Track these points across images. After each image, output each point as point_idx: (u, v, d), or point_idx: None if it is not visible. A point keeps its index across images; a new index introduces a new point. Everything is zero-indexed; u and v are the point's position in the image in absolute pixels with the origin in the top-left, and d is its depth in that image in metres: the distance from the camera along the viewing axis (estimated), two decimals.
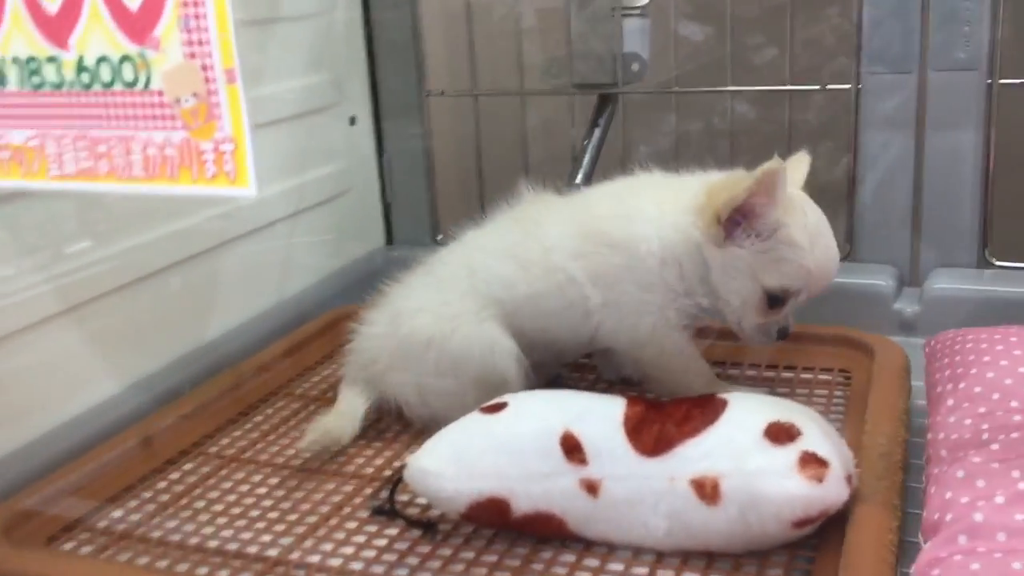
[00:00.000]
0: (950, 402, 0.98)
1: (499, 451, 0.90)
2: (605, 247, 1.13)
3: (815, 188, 1.19)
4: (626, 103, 1.63)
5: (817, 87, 1.51)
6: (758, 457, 0.82)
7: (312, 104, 1.60)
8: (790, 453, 0.82)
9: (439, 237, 1.80)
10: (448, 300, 1.16)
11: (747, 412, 0.87)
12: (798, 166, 1.15)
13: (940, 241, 1.49)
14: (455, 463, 0.90)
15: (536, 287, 1.14)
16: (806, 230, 1.09)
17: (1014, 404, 0.93)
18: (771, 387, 1.22)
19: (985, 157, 1.43)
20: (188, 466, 1.12)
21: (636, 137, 1.75)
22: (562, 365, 1.28)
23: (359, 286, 1.68)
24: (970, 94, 1.41)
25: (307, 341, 1.44)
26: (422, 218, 1.80)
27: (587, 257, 1.13)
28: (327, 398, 1.29)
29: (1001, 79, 1.38)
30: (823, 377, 1.26)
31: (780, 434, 0.83)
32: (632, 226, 1.12)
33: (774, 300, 1.10)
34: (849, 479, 0.87)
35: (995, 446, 0.87)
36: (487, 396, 1.00)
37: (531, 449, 0.89)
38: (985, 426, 0.92)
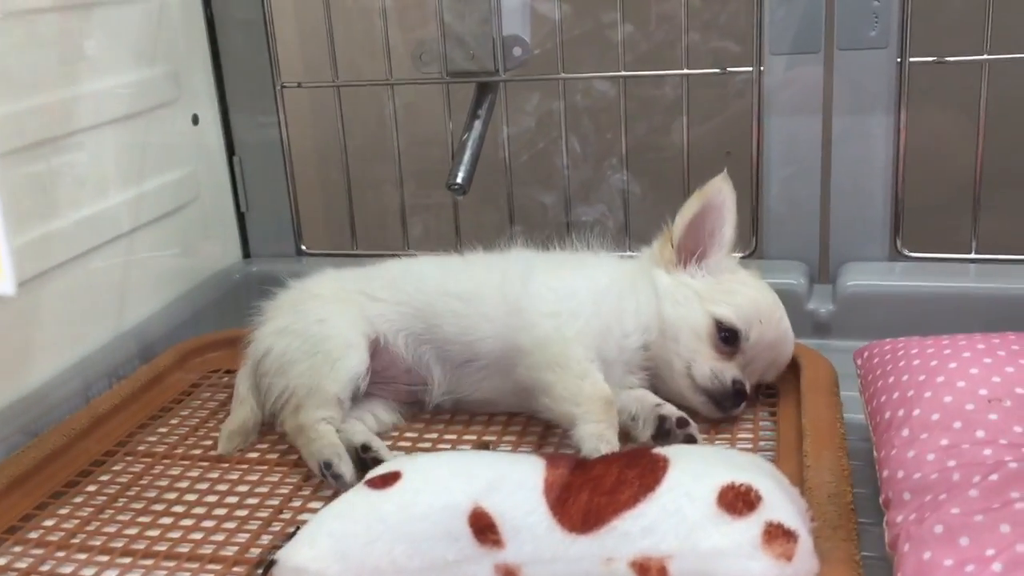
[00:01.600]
0: (904, 432, 0.86)
1: (393, 538, 0.73)
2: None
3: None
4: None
5: (717, 71, 1.38)
6: (714, 533, 0.68)
7: (146, 102, 1.38)
8: (751, 526, 0.68)
9: (303, 247, 1.60)
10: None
11: (692, 474, 0.72)
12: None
13: (850, 233, 1.39)
14: (338, 559, 0.72)
15: (463, 285, 1.10)
16: (760, 284, 1.12)
17: (980, 435, 0.81)
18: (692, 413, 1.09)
19: (896, 142, 1.33)
20: None
21: (496, 117, 1.60)
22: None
23: (215, 309, 1.48)
24: (880, 74, 1.30)
25: (152, 383, 1.23)
26: (283, 227, 1.59)
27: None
28: (175, 455, 1.08)
29: (912, 57, 1.28)
30: None
31: (737, 501, 0.69)
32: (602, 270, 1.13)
33: (725, 336, 1.05)
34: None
35: (973, 492, 0.75)
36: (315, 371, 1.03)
37: (433, 533, 0.73)
38: (952, 463, 0.80)
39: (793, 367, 1.13)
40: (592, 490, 0.73)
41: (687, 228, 1.10)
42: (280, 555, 0.73)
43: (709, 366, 1.05)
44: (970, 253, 1.35)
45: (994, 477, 0.75)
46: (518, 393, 1.06)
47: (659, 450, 0.77)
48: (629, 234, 1.47)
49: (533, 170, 1.62)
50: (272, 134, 1.55)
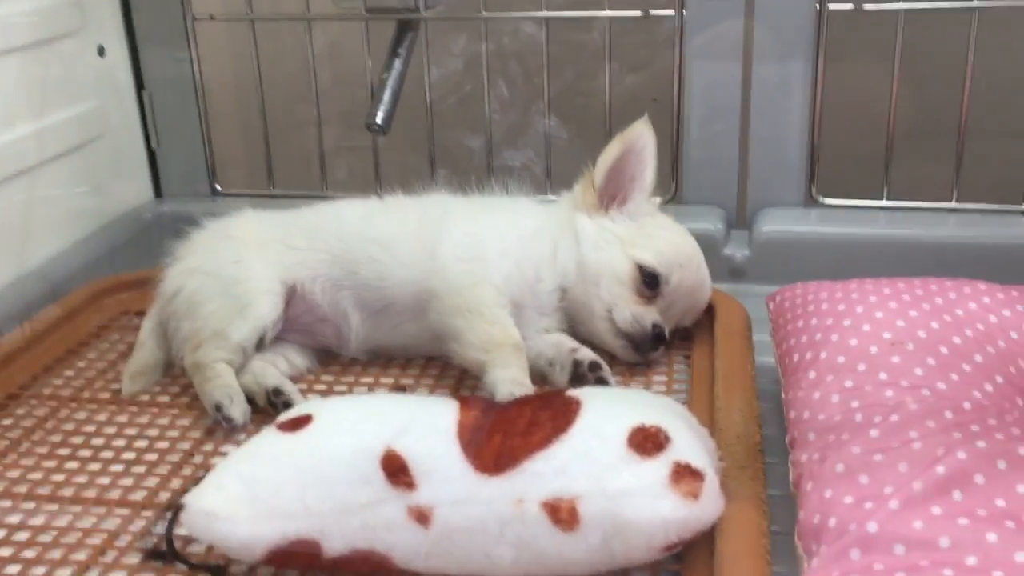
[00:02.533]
0: (811, 375, 0.88)
1: (304, 481, 0.72)
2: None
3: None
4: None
5: (639, 13, 1.37)
6: (623, 473, 0.68)
7: (46, 31, 1.31)
8: (660, 466, 0.68)
9: (217, 187, 1.56)
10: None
11: (604, 416, 0.73)
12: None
13: (767, 180, 1.40)
14: (248, 502, 0.71)
15: (381, 230, 1.09)
16: (680, 229, 1.12)
17: (883, 377, 0.84)
18: (606, 359, 1.09)
19: (814, 89, 1.34)
20: None
21: (421, 58, 1.57)
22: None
23: (125, 250, 1.44)
24: (800, 21, 1.31)
25: (61, 323, 1.19)
26: (196, 165, 1.55)
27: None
28: (83, 398, 1.05)
29: (831, 4, 1.29)
30: None
31: (646, 442, 0.70)
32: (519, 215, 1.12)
33: (647, 280, 1.05)
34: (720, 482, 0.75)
35: (874, 432, 0.77)
36: (224, 313, 1.02)
37: (344, 475, 0.72)
38: (855, 403, 0.82)
39: (708, 312, 1.15)
40: (505, 432, 0.73)
41: (608, 172, 1.10)
42: (188, 499, 0.72)
43: (630, 310, 1.06)
44: (882, 200, 1.38)
45: (894, 418, 0.77)
46: (435, 339, 1.05)
47: (573, 392, 0.77)
48: (551, 178, 1.47)
49: (460, 113, 1.60)
50: (184, 68, 1.49)
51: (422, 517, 0.72)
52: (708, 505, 0.69)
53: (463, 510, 0.71)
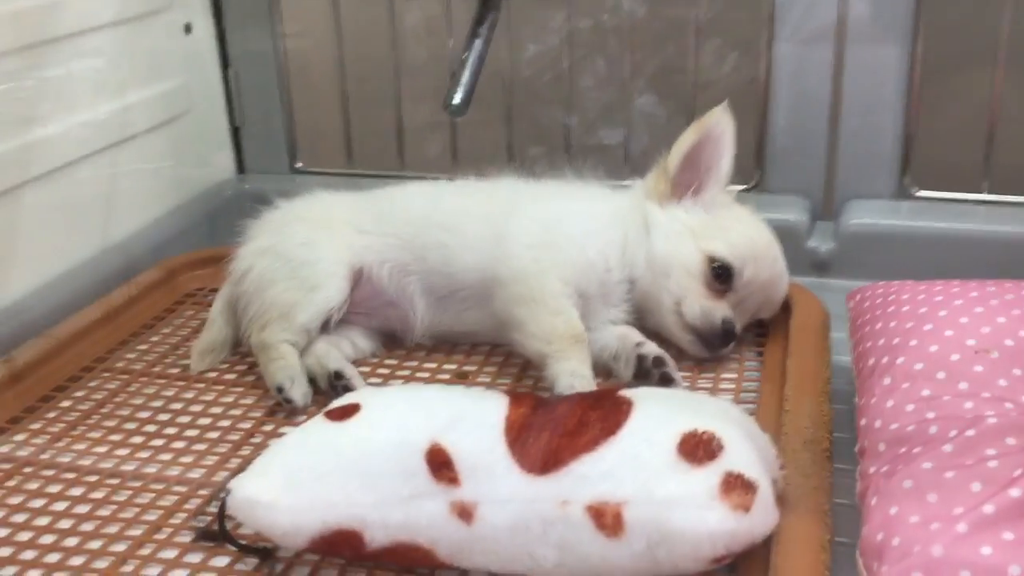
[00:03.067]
0: (886, 381, 0.83)
1: (347, 472, 0.71)
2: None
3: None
4: (511, 2, 1.40)
5: None
6: (671, 481, 0.66)
7: (135, 8, 1.33)
8: (710, 475, 0.65)
9: (299, 164, 1.57)
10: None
11: (656, 419, 0.70)
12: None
13: (857, 169, 1.34)
14: (291, 490, 0.71)
15: (449, 216, 1.08)
16: (756, 221, 1.08)
17: (963, 387, 0.78)
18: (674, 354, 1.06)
19: (910, 75, 1.27)
20: None
21: (522, 36, 1.54)
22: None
23: (207, 225, 1.46)
24: (897, 2, 1.24)
25: (138, 298, 1.21)
26: (278, 142, 1.56)
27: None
28: (153, 373, 1.07)
29: None
30: None
31: (697, 449, 0.67)
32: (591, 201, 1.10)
33: (718, 273, 1.02)
34: (774, 490, 0.72)
35: (947, 447, 0.72)
36: (291, 295, 1.02)
37: (388, 468, 0.71)
38: (931, 415, 0.77)
39: (785, 307, 1.10)
40: (553, 431, 0.71)
41: (683, 161, 1.06)
42: (233, 484, 0.72)
43: (699, 304, 1.02)
44: (982, 193, 1.30)
45: (971, 432, 0.73)
46: (500, 326, 1.04)
47: (625, 392, 0.74)
48: (628, 163, 1.43)
49: (557, 90, 1.57)
50: (267, 45, 1.50)
51: (465, 513, 0.70)
52: (759, 518, 0.66)
53: (507, 509, 0.69)
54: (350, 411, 0.75)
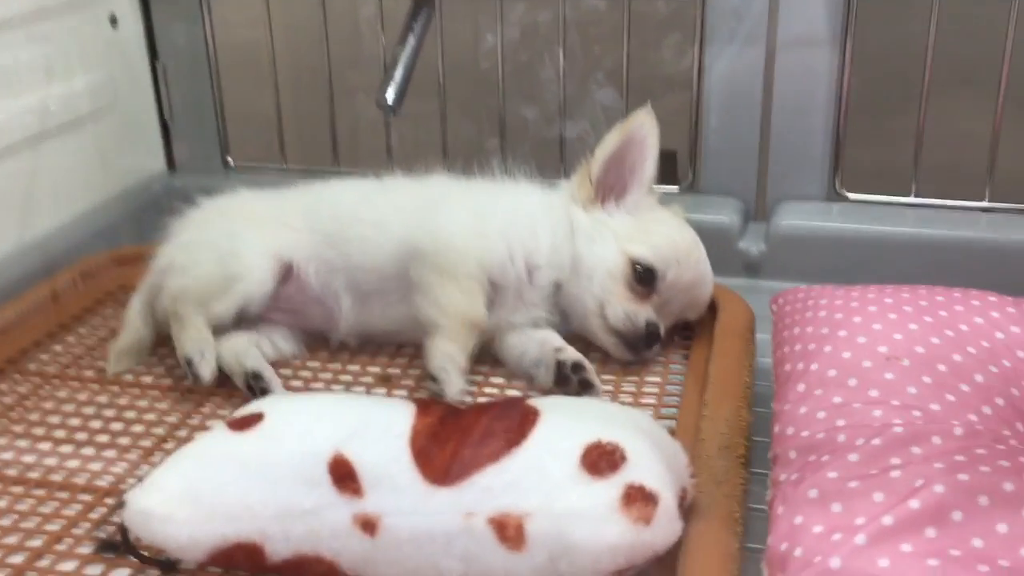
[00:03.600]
0: (800, 387, 0.83)
1: (248, 484, 0.70)
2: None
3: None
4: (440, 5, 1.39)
5: None
6: (572, 493, 0.65)
7: None
8: (611, 488, 0.65)
9: (230, 160, 1.54)
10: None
11: (561, 430, 0.69)
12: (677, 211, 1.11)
13: (788, 171, 1.34)
14: (189, 502, 0.69)
15: (377, 212, 1.07)
16: (679, 223, 1.08)
17: (873, 394, 0.79)
18: (600, 357, 1.06)
19: (840, 77, 1.28)
20: None
21: (457, 38, 1.53)
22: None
23: (133, 222, 1.43)
24: (827, 4, 1.24)
25: (54, 297, 1.18)
26: (209, 138, 1.53)
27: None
28: (67, 375, 1.05)
29: None
30: None
31: (600, 461, 0.66)
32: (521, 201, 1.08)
33: (641, 277, 1.02)
34: (683, 499, 0.72)
35: (853, 456, 0.72)
36: (211, 280, 1.01)
37: (290, 479, 0.70)
38: (841, 422, 0.77)
39: (712, 309, 1.10)
40: (459, 441, 0.70)
41: (606, 164, 1.06)
42: (129, 496, 0.70)
43: (623, 307, 1.02)
44: (910, 196, 1.31)
45: (877, 441, 0.73)
46: (414, 294, 1.02)
47: (533, 402, 0.74)
48: (565, 161, 1.42)
49: (515, 83, 1.56)
50: (198, 38, 1.47)
51: (368, 525, 0.69)
52: (661, 531, 0.65)
53: (410, 521, 0.68)
54: (252, 421, 0.73)
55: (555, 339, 1.01)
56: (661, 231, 1.04)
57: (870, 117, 1.36)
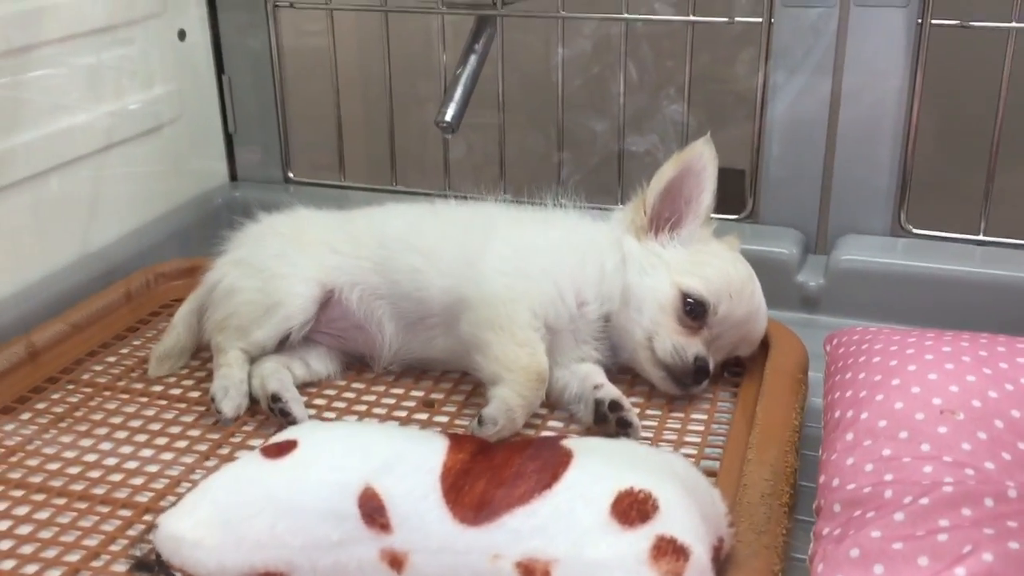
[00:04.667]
0: (849, 436, 0.81)
1: (277, 512, 0.70)
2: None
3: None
4: (506, 24, 1.39)
5: (725, 19, 1.29)
6: (601, 543, 0.63)
7: (127, 14, 1.32)
8: (641, 539, 0.63)
9: (291, 175, 1.56)
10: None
11: (593, 475, 0.68)
12: (733, 243, 1.10)
13: (852, 203, 1.30)
14: (219, 529, 0.69)
15: (425, 240, 1.06)
16: (734, 257, 1.05)
17: (925, 448, 0.75)
18: (646, 391, 1.04)
19: (909, 108, 1.24)
20: None
21: (528, 51, 1.53)
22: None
23: (195, 233, 1.45)
24: (897, 34, 1.21)
25: (112, 307, 1.21)
26: (272, 152, 1.55)
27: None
28: (117, 387, 1.06)
29: (933, 19, 1.18)
30: None
31: (631, 511, 0.64)
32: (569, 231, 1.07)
33: (692, 310, 1.00)
34: (719, 550, 0.70)
35: (899, 515, 0.69)
36: (252, 308, 1.02)
37: (319, 510, 0.69)
38: (889, 476, 0.74)
39: (765, 345, 1.08)
40: (489, 480, 0.69)
41: (662, 194, 1.04)
42: (161, 520, 0.71)
43: (671, 341, 1.00)
44: (979, 235, 1.26)
45: (925, 500, 0.70)
46: (468, 354, 1.02)
47: (567, 442, 0.72)
48: (623, 186, 1.41)
49: (586, 96, 1.55)
50: (263, 54, 1.49)
51: (396, 562, 0.68)
52: None
53: (438, 559, 0.68)
54: (286, 448, 0.73)
55: (597, 375, 0.99)
56: (715, 264, 1.02)
57: (939, 149, 1.31)
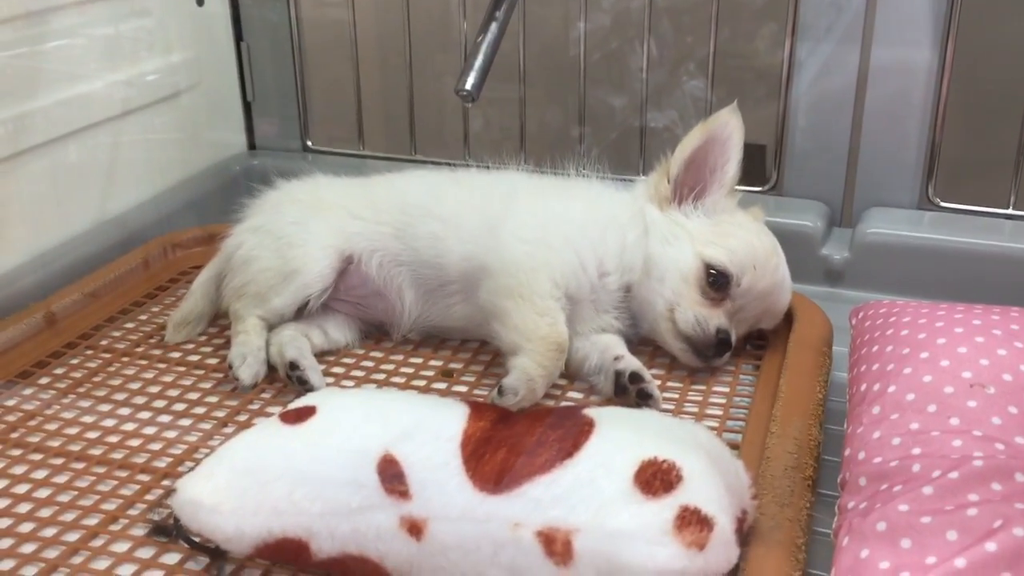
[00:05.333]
0: (875, 410, 0.79)
1: (296, 478, 0.69)
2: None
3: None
4: None
5: None
6: (624, 512, 0.62)
7: None
8: (665, 509, 0.62)
9: (309, 143, 1.54)
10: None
11: (616, 444, 0.67)
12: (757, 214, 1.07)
13: (879, 176, 1.28)
14: (237, 494, 0.69)
15: (445, 207, 1.05)
16: (759, 228, 1.03)
17: (954, 422, 0.74)
18: (667, 363, 1.03)
19: (939, 80, 1.21)
20: None
21: (547, 24, 1.50)
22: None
23: (214, 201, 1.44)
24: (927, 4, 1.18)
25: (130, 274, 1.20)
26: (290, 120, 1.53)
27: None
28: (135, 353, 1.06)
29: None
30: None
31: (654, 480, 0.63)
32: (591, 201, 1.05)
33: (715, 281, 0.98)
34: (742, 522, 0.69)
35: (927, 488, 0.68)
36: (269, 275, 1.01)
37: (338, 477, 0.69)
38: (917, 451, 0.73)
39: (788, 319, 1.06)
40: (510, 448, 0.68)
41: (686, 162, 1.02)
42: (179, 484, 0.70)
43: (693, 312, 0.98)
44: (1008, 208, 1.24)
45: (954, 475, 0.68)
46: (487, 322, 1.00)
47: (589, 412, 0.71)
48: (644, 160, 1.39)
49: (605, 70, 1.52)
50: (282, 21, 1.48)
51: (415, 529, 0.68)
52: (715, 557, 0.62)
53: (457, 527, 0.67)
54: (304, 414, 0.72)
55: (617, 347, 0.98)
56: (739, 235, 1.00)
57: (969, 121, 1.29)
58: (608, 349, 0.97)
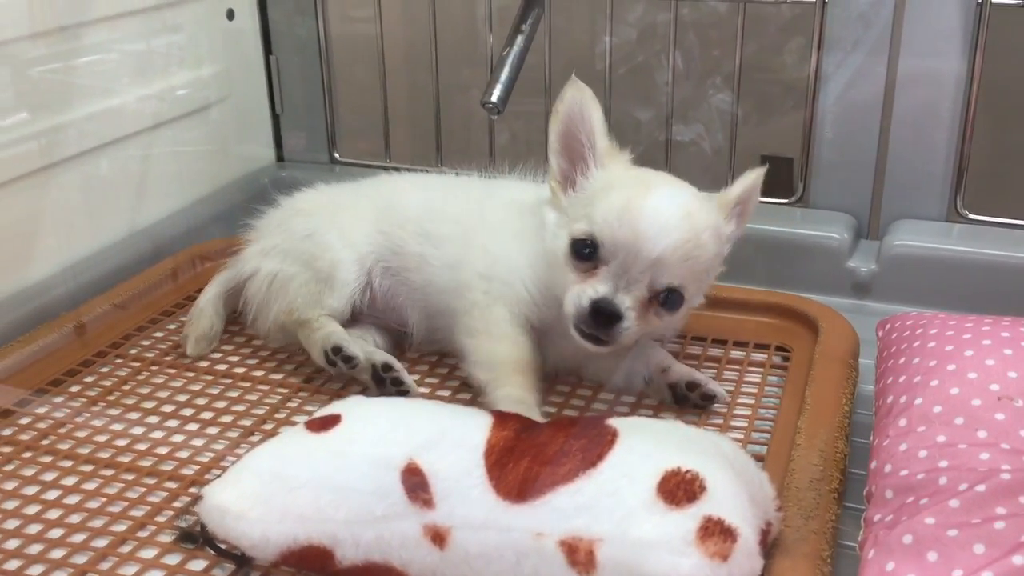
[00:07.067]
0: (902, 422, 0.79)
1: (320, 486, 0.69)
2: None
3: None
4: (556, 4, 1.37)
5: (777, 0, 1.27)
6: (647, 522, 0.62)
7: None
8: (688, 519, 0.62)
9: (337, 155, 1.56)
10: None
11: (639, 454, 0.67)
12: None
13: (907, 188, 1.27)
14: (262, 501, 0.69)
15: (439, 228, 1.02)
16: (633, 181, 0.92)
17: (981, 435, 0.73)
18: (696, 365, 1.02)
19: (968, 91, 1.21)
20: None
21: (572, 38, 1.51)
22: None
23: (243, 213, 1.44)
24: (956, 16, 1.18)
25: (159, 284, 1.22)
26: (318, 132, 1.55)
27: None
28: (164, 362, 1.07)
29: None
30: (757, 356, 1.06)
31: (678, 490, 0.63)
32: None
33: (578, 252, 0.89)
34: (767, 534, 0.68)
35: (954, 502, 0.67)
36: (312, 286, 1.01)
37: (362, 485, 0.69)
38: (944, 463, 0.72)
39: (814, 330, 1.06)
40: (533, 457, 0.68)
41: (560, 152, 0.95)
42: (206, 491, 0.71)
43: (571, 292, 0.89)
44: None
45: (981, 488, 0.68)
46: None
47: (613, 421, 0.71)
48: (670, 170, 1.39)
49: (631, 84, 1.53)
50: (311, 35, 1.49)
51: (438, 537, 0.68)
52: (738, 568, 0.62)
53: (481, 536, 0.67)
54: (330, 422, 0.73)
55: (659, 356, 0.98)
56: (605, 196, 0.90)
57: (997, 133, 1.28)
58: (651, 359, 0.96)
